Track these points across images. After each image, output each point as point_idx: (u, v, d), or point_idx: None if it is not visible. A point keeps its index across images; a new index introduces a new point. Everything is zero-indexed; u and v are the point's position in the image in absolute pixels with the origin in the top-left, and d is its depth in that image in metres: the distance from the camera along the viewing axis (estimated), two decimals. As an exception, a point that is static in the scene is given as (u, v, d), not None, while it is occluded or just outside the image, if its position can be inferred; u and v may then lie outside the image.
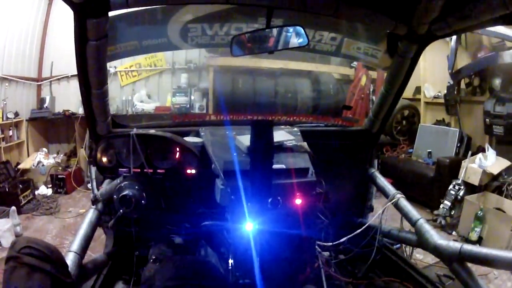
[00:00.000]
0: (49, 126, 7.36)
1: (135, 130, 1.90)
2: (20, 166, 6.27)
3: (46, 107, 7.01)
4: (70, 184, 6.18)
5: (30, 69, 6.99)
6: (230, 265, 1.60)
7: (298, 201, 1.53)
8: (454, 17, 1.63)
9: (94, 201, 1.94)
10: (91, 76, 1.73)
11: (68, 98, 7.04)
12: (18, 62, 6.62)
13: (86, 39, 1.55)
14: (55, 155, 6.87)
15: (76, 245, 1.63)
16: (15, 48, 6.47)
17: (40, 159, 6.44)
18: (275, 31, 1.77)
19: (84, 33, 1.53)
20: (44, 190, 6.04)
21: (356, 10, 1.73)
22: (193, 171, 1.91)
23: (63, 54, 6.74)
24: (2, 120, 6.11)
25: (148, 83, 7.59)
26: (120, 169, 1.91)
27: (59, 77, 7.21)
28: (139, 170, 1.88)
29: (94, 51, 1.61)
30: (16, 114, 6.43)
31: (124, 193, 1.72)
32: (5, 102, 6.21)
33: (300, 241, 1.57)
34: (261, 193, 1.30)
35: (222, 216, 1.73)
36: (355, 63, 7.13)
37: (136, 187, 1.76)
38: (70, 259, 1.52)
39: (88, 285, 1.78)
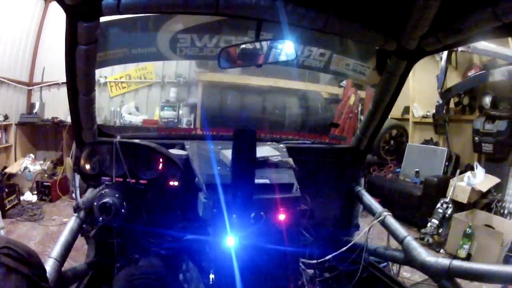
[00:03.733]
0: (38, 132, 7.31)
1: (118, 138, 1.88)
2: (6, 170, 6.19)
3: (36, 112, 6.97)
4: (55, 192, 6.09)
5: (22, 72, 6.96)
6: (211, 280, 1.57)
7: (282, 217, 1.50)
8: (444, 31, 1.63)
9: (76, 209, 1.90)
10: (79, 81, 1.71)
11: (58, 106, 6.99)
12: (11, 64, 6.59)
13: (76, 43, 1.54)
14: (41, 161, 6.78)
15: (56, 251, 1.60)
16: (8, 50, 6.45)
17: (27, 164, 6.37)
18: (264, 44, 1.76)
19: (74, 37, 1.52)
20: (29, 197, 5.96)
21: (345, 25, 1.72)
22: (176, 183, 1.88)
23: (55, 61, 6.70)
24: None
25: (137, 95, 7.58)
26: (103, 178, 1.87)
27: (50, 83, 7.17)
28: (121, 179, 1.85)
29: (83, 56, 1.59)
30: (6, 117, 6.39)
31: (104, 200, 1.69)
32: None
33: (283, 257, 1.54)
34: (243, 207, 1.27)
35: (204, 230, 1.70)
36: (344, 82, 7.22)
37: (117, 195, 1.73)
38: (49, 265, 1.50)
39: None
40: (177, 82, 7.43)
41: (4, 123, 6.31)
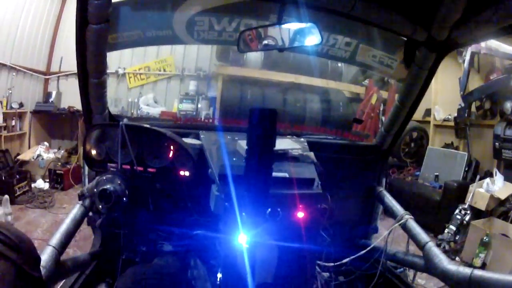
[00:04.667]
0: (53, 121, 7.40)
1: (125, 121, 1.79)
2: (19, 157, 6.29)
3: (52, 101, 7.06)
4: (67, 180, 6.13)
5: (39, 61, 7.06)
6: (218, 279, 1.47)
7: (301, 215, 1.40)
8: (475, 21, 1.53)
9: (81, 196, 1.82)
10: (90, 63, 1.67)
11: (74, 95, 6.88)
12: (28, 53, 6.67)
13: (87, 22, 1.50)
14: (56, 150, 6.86)
15: (55, 239, 1.53)
16: (26, 38, 6.52)
17: (40, 152, 6.44)
18: (286, 28, 1.66)
19: (85, 16, 1.48)
20: (41, 184, 6.03)
21: (373, 10, 1.63)
22: (187, 174, 1.77)
23: (73, 50, 6.71)
24: (6, 109, 6.16)
25: (156, 87, 7.61)
26: (109, 164, 1.78)
27: (67, 73, 7.24)
28: (128, 167, 1.76)
29: (94, 36, 1.56)
30: (21, 105, 6.49)
31: (104, 187, 1.59)
32: (10, 92, 6.26)
33: (298, 258, 1.44)
34: (258, 202, 1.17)
35: (216, 226, 1.61)
36: (366, 81, 7.12)
37: (119, 182, 1.63)
38: (47, 253, 1.43)
39: (68, 283, 1.70)
40: (197, 75, 7.43)
41: (19, 110, 6.39)
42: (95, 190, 1.63)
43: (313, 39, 1.64)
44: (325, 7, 1.60)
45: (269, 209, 1.30)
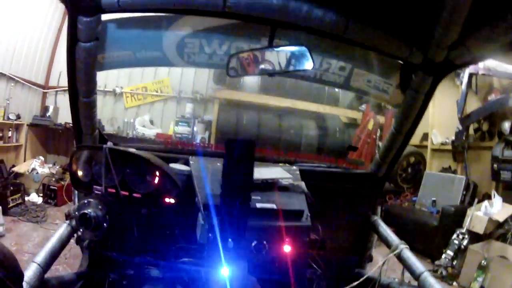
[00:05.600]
0: (49, 136, 7.43)
1: (109, 144, 1.75)
2: (14, 169, 6.28)
3: (49, 116, 7.07)
4: (61, 196, 6.07)
5: (38, 74, 7.11)
6: None
7: (287, 248, 1.34)
8: (473, 40, 1.49)
9: (68, 216, 1.78)
10: (79, 82, 1.65)
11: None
12: (27, 65, 6.72)
13: (76, 40, 1.50)
14: (51, 165, 6.84)
15: (40, 257, 1.53)
16: (26, 50, 6.57)
17: (35, 166, 6.43)
18: (277, 52, 1.63)
19: (74, 33, 1.48)
20: (34, 198, 5.99)
21: (367, 32, 1.59)
22: (173, 201, 1.72)
23: (72, 66, 6.80)
24: (3, 119, 6.19)
25: (153, 108, 7.66)
26: (94, 186, 1.74)
27: (65, 88, 7.20)
28: (114, 190, 1.71)
29: (83, 54, 1.55)
30: (18, 117, 6.50)
31: (84, 211, 1.56)
32: (8, 102, 6.27)
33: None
34: (238, 234, 1.11)
35: (201, 255, 1.55)
36: (363, 106, 7.17)
37: (100, 207, 1.59)
38: (31, 270, 1.43)
39: None
40: (194, 98, 7.48)
41: (16, 122, 6.41)
42: (76, 213, 1.59)
43: (304, 63, 1.60)
44: (317, 30, 1.55)
45: (255, 242, 1.25)
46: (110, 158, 1.65)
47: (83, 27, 1.45)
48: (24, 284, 1.01)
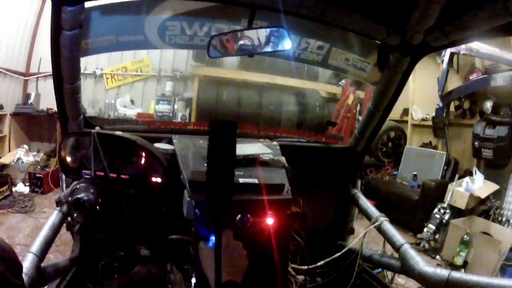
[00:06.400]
0: (32, 123, 7.32)
1: (97, 129, 1.78)
2: (0, 161, 6.20)
3: (31, 103, 6.96)
4: (47, 184, 6.05)
5: (18, 62, 6.96)
6: (192, 285, 1.47)
7: (270, 220, 1.40)
8: (451, 25, 1.53)
9: (58, 203, 1.81)
10: (64, 69, 1.68)
11: (53, 97, 6.84)
12: (8, 54, 6.60)
13: (61, 29, 1.53)
14: (35, 153, 6.76)
15: (36, 246, 1.55)
16: (6, 39, 6.45)
17: (20, 155, 6.35)
18: (257, 33, 1.66)
19: (59, 22, 1.50)
20: (21, 188, 5.96)
21: (346, 15, 1.63)
22: (159, 180, 1.77)
23: (53, 51, 6.69)
24: None
25: (133, 88, 7.58)
26: (83, 171, 1.77)
27: (46, 74, 7.13)
28: (102, 173, 1.75)
29: (68, 42, 1.57)
30: (1, 107, 6.43)
31: (78, 196, 1.59)
32: None
33: (270, 262, 1.45)
34: (224, 208, 1.17)
35: (189, 231, 1.61)
36: (343, 81, 7.19)
37: (92, 190, 1.63)
38: (28, 260, 1.45)
39: None
40: (174, 76, 7.43)
41: (-1, 113, 6.29)
42: (69, 199, 1.63)
43: (283, 43, 1.64)
44: (296, 12, 1.59)
45: (239, 215, 1.31)
46: (98, 143, 1.69)
47: (67, 16, 1.47)
48: (23, 276, 1.05)
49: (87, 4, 1.52)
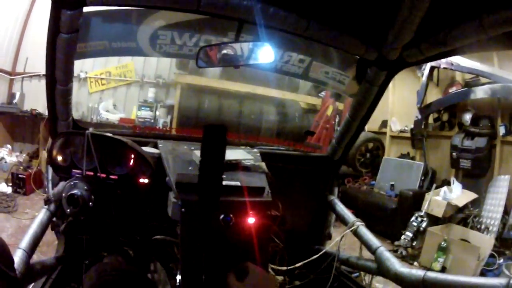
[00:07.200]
0: (15, 123, 7.25)
1: (91, 130, 1.84)
2: None
3: (15, 103, 6.90)
4: (29, 185, 5.99)
5: (5, 61, 6.91)
6: (177, 282, 1.54)
7: (251, 220, 1.48)
8: (427, 42, 1.63)
9: (47, 201, 1.86)
10: (58, 70, 1.72)
11: (38, 98, 6.85)
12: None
13: (58, 31, 1.56)
14: (18, 153, 6.71)
15: (25, 243, 1.58)
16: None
17: (3, 155, 6.32)
18: (243, 46, 1.75)
19: (57, 25, 1.54)
20: (4, 188, 5.86)
21: (326, 32, 1.73)
22: (146, 181, 1.84)
23: (39, 52, 6.58)
24: None
25: (116, 93, 7.56)
26: (73, 170, 1.82)
27: (31, 74, 7.11)
28: (92, 173, 1.81)
29: (64, 45, 1.61)
30: None
31: (72, 192, 1.65)
32: None
33: (252, 261, 1.52)
34: (211, 208, 1.25)
35: (173, 231, 1.67)
36: (323, 93, 7.25)
37: (85, 188, 1.69)
38: (18, 256, 1.47)
39: (36, 287, 1.75)
40: (156, 83, 7.45)
41: (-17, 112, 6.23)
42: (63, 195, 1.67)
43: (266, 57, 1.74)
44: (280, 28, 1.69)
45: (222, 215, 1.39)
46: (91, 143, 1.75)
47: (65, 19, 1.51)
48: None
49: (85, 9, 1.55)
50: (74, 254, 1.99)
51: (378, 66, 1.96)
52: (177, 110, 6.77)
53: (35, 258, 1.73)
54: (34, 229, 1.69)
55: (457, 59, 5.40)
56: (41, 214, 1.81)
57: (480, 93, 5.38)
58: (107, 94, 7.48)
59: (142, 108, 7.04)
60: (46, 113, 6.40)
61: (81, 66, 7.14)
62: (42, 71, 6.21)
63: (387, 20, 1.60)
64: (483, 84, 5.42)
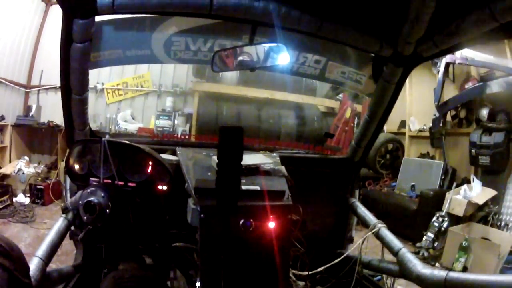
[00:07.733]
0: (33, 135, 7.34)
1: (107, 137, 1.84)
2: (1, 171, 6.25)
3: (32, 115, 6.99)
4: (48, 196, 6.07)
5: (20, 74, 7.02)
6: None
7: (272, 225, 1.46)
8: (440, 35, 1.61)
9: (64, 210, 1.87)
10: (73, 80, 1.73)
11: (54, 110, 6.95)
12: (9, 65, 6.66)
13: (71, 41, 1.57)
14: (36, 164, 6.78)
15: (42, 251, 1.58)
16: (8, 50, 6.52)
17: (21, 166, 6.38)
18: (258, 49, 1.75)
19: (70, 35, 1.55)
20: (22, 198, 5.96)
21: (340, 30, 1.72)
22: (165, 188, 1.83)
23: (53, 65, 6.68)
24: None
25: (134, 103, 7.61)
26: (91, 178, 1.83)
27: (47, 86, 7.22)
28: (110, 181, 1.80)
29: (77, 54, 1.62)
30: (2, 118, 6.47)
31: (89, 199, 1.65)
32: None
33: (271, 267, 1.50)
34: (230, 213, 1.23)
35: (193, 238, 1.66)
36: (340, 95, 7.24)
37: (102, 195, 1.68)
38: (34, 263, 1.47)
39: None
40: (174, 92, 7.47)
41: (0, 123, 6.39)
42: (80, 202, 1.67)
43: (282, 58, 1.74)
44: (294, 28, 1.67)
45: (242, 220, 1.37)
46: (108, 151, 1.75)
47: (78, 29, 1.52)
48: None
49: (97, 18, 1.56)
50: (92, 263, 1.99)
51: (394, 63, 1.94)
52: (196, 118, 6.81)
53: (54, 267, 1.74)
54: (51, 237, 1.69)
55: (471, 54, 5.34)
56: (59, 223, 1.81)
57: (495, 87, 5.29)
58: (125, 105, 7.54)
59: (161, 117, 7.07)
60: (63, 125, 6.54)
61: (97, 77, 7.23)
62: (58, 84, 6.34)
63: (400, 15, 1.59)
64: (498, 77, 5.32)
